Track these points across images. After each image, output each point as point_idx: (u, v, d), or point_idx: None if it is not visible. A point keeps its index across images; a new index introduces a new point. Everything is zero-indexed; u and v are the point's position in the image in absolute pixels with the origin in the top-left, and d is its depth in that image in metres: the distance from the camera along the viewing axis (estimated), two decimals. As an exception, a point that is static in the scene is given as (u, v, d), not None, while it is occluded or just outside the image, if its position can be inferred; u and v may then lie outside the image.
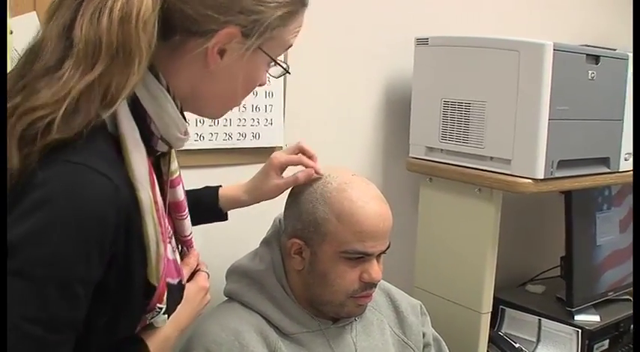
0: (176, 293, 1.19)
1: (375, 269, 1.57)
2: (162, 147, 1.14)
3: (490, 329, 2.14)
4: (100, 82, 0.97)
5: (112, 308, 1.05)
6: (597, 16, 2.93)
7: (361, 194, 1.57)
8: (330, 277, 1.56)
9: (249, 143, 1.99)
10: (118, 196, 0.98)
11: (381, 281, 1.77)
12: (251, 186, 1.64)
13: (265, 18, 1.07)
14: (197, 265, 1.35)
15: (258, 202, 1.64)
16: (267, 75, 1.22)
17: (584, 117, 1.96)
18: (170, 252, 1.15)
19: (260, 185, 1.62)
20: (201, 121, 1.89)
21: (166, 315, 1.16)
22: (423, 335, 1.79)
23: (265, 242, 1.69)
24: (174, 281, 1.17)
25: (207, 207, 1.62)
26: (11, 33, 1.59)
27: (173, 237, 1.22)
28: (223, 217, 1.65)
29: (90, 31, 0.97)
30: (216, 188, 1.65)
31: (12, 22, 1.59)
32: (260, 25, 1.07)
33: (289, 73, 1.24)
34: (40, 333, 0.94)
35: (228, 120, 1.94)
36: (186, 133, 1.16)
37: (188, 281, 1.29)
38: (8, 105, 0.97)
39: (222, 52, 1.08)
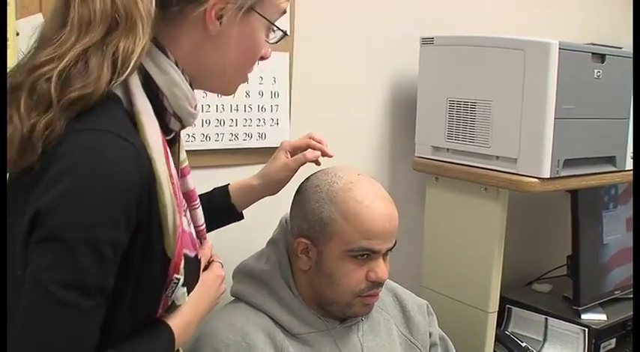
0: (193, 266, 1.20)
1: (382, 268, 1.57)
2: (174, 125, 1.18)
3: (497, 329, 2.14)
4: (105, 45, 1.02)
5: (135, 282, 1.07)
6: (602, 15, 2.92)
7: (367, 193, 1.58)
8: (336, 276, 1.56)
9: (255, 143, 2.00)
10: (141, 161, 1.03)
11: (388, 280, 1.77)
12: (262, 171, 1.65)
13: None
14: (211, 256, 1.36)
15: (270, 189, 1.64)
16: (269, 48, 1.25)
17: (590, 115, 1.96)
18: (185, 224, 1.17)
19: (270, 166, 1.63)
20: (207, 122, 1.89)
21: (185, 288, 1.17)
22: (430, 334, 1.79)
23: (272, 242, 1.70)
24: (191, 254, 1.19)
25: (220, 205, 1.62)
26: (17, 34, 1.60)
27: (188, 210, 1.23)
28: (238, 215, 1.64)
29: (82, 7, 1.03)
30: (225, 186, 1.65)
31: (18, 24, 1.60)
32: None
33: (287, 35, 1.26)
34: (73, 298, 0.96)
35: (234, 121, 1.95)
36: (196, 107, 1.20)
37: (204, 270, 1.30)
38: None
39: (220, 18, 1.12)
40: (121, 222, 1.00)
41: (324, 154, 1.63)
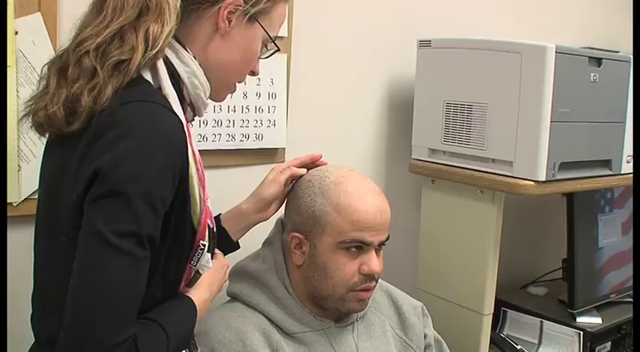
0: (212, 239, 1.32)
1: (374, 260, 1.58)
2: (188, 115, 1.30)
3: (492, 331, 2.14)
4: (137, 25, 1.17)
5: (170, 243, 1.19)
6: (599, 18, 2.93)
7: (358, 186, 1.60)
8: (329, 269, 1.57)
9: (252, 144, 2.00)
10: (182, 129, 1.17)
11: (383, 282, 1.78)
12: (252, 193, 1.68)
13: None
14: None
15: (261, 208, 1.65)
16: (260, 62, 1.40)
17: (586, 119, 1.96)
18: (206, 198, 1.28)
19: (260, 186, 1.67)
20: (205, 122, 1.90)
21: (209, 255, 1.30)
22: (425, 336, 1.80)
23: (267, 242, 1.70)
24: (212, 226, 1.31)
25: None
26: (16, 33, 1.60)
27: (206, 187, 1.30)
28: (233, 243, 1.65)
29: None
30: (217, 215, 1.66)
31: (17, 23, 1.60)
32: None
33: (279, 50, 1.41)
34: (130, 247, 1.07)
35: (232, 122, 1.95)
36: (207, 98, 1.33)
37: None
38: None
39: (229, 20, 1.27)
40: (168, 182, 1.13)
41: (312, 159, 1.70)
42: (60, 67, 1.19)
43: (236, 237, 1.65)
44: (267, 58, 1.41)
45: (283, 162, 2.03)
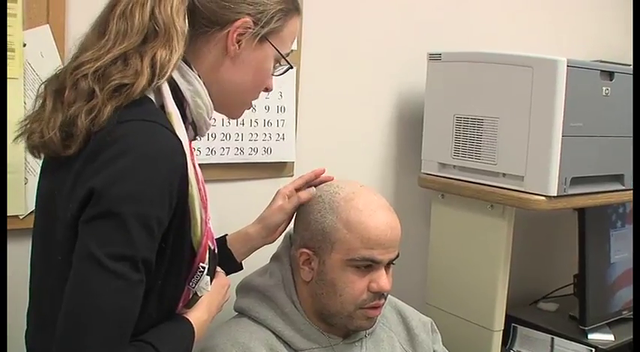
0: (213, 260, 1.31)
1: (384, 278, 1.56)
2: (189, 134, 1.26)
3: (502, 347, 2.12)
4: (143, 51, 1.16)
5: (168, 266, 1.18)
6: (611, 32, 2.92)
7: (369, 203, 1.58)
8: (338, 286, 1.55)
9: (260, 158, 1.99)
10: (181, 149, 1.15)
11: (392, 297, 1.77)
12: (258, 217, 1.68)
13: (269, 9, 1.28)
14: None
15: (267, 233, 1.65)
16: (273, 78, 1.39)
17: (598, 133, 1.95)
18: (208, 219, 1.27)
19: (266, 211, 1.67)
20: (213, 136, 1.89)
21: (209, 278, 1.30)
22: (434, 352, 1.78)
23: (275, 257, 1.69)
24: (212, 247, 1.30)
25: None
26: (24, 45, 1.60)
27: (208, 208, 1.29)
28: (237, 264, 1.65)
29: (120, 22, 1.18)
30: (223, 236, 1.65)
31: (25, 35, 1.60)
32: (266, 15, 1.27)
33: (292, 68, 1.40)
34: (124, 270, 1.05)
35: (240, 135, 1.95)
36: (211, 118, 1.32)
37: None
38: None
39: (239, 41, 1.26)
40: (165, 203, 1.11)
41: (316, 175, 1.70)
42: (56, 89, 1.18)
43: (240, 259, 1.65)
44: (280, 75, 1.40)
45: (292, 176, 2.02)
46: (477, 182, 2.03)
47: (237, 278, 1.68)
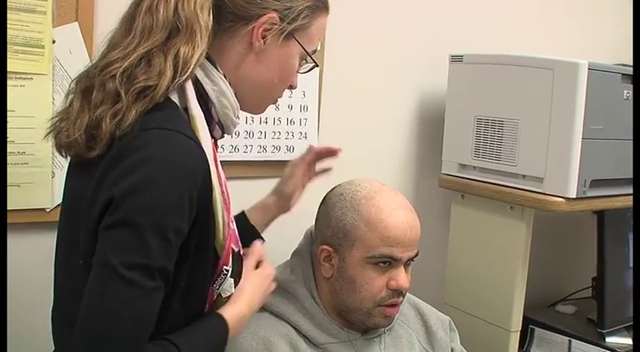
0: (237, 261, 1.29)
1: (403, 276, 1.58)
2: (217, 133, 1.28)
3: (519, 349, 2.13)
4: (167, 49, 1.15)
5: (190, 271, 1.18)
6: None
7: (390, 201, 1.60)
8: (357, 283, 1.57)
9: (283, 156, 2.01)
10: (202, 156, 1.14)
11: (410, 295, 1.78)
12: (273, 190, 1.73)
13: (297, 5, 1.26)
14: (260, 255, 1.45)
15: (284, 206, 1.71)
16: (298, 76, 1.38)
17: (618, 136, 1.95)
18: (230, 221, 1.26)
19: (279, 184, 1.72)
20: (237, 133, 1.91)
21: (233, 280, 1.28)
22: (452, 350, 1.79)
23: (296, 253, 1.71)
24: (236, 249, 1.29)
25: (241, 229, 1.65)
26: (54, 42, 1.63)
27: (231, 210, 1.29)
28: (259, 237, 1.66)
29: (146, 17, 1.17)
30: (241, 212, 1.67)
31: (55, 32, 1.63)
32: (293, 11, 1.25)
33: (317, 66, 1.39)
34: (139, 278, 1.06)
35: (263, 133, 1.97)
36: (238, 117, 1.31)
37: (255, 268, 1.41)
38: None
39: (264, 37, 1.25)
40: (185, 212, 1.11)
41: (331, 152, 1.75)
42: (85, 88, 1.18)
43: (262, 231, 1.67)
44: (305, 72, 1.38)
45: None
46: (496, 183, 2.04)
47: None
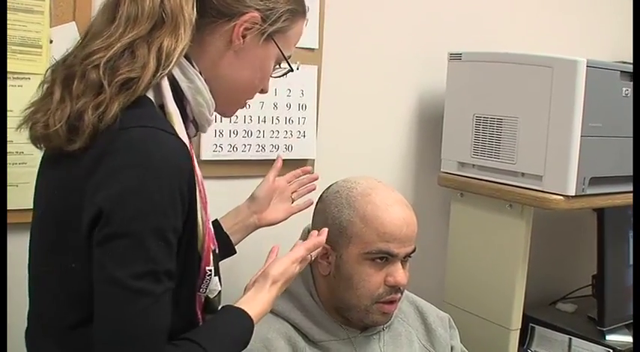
0: (215, 260, 1.28)
1: (400, 272, 1.58)
2: (191, 131, 1.25)
3: (519, 347, 2.13)
4: (151, 40, 1.13)
5: (181, 271, 1.15)
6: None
7: (386, 198, 1.60)
8: (354, 280, 1.57)
9: (281, 155, 2.00)
10: (186, 152, 1.13)
11: (409, 293, 1.78)
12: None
13: (279, 7, 1.26)
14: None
15: (257, 211, 1.70)
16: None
17: (617, 134, 1.95)
18: (208, 220, 1.25)
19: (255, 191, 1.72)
20: (235, 132, 1.91)
21: (217, 278, 1.27)
22: (452, 348, 1.79)
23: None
24: (214, 248, 1.27)
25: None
26: (51, 42, 1.63)
27: (208, 208, 1.28)
28: (232, 247, 1.66)
29: (131, 5, 1.15)
30: (214, 220, 1.66)
31: (52, 32, 1.63)
32: (275, 13, 1.25)
33: (292, 71, 1.38)
34: (148, 286, 1.05)
35: (262, 132, 1.97)
36: (213, 115, 1.30)
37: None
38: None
39: (244, 36, 1.24)
40: (178, 210, 1.10)
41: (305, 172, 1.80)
42: (65, 77, 1.14)
43: (234, 240, 1.66)
44: (278, 77, 1.38)
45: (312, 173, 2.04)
46: (495, 181, 2.04)
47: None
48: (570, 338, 2.33)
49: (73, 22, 1.66)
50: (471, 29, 2.36)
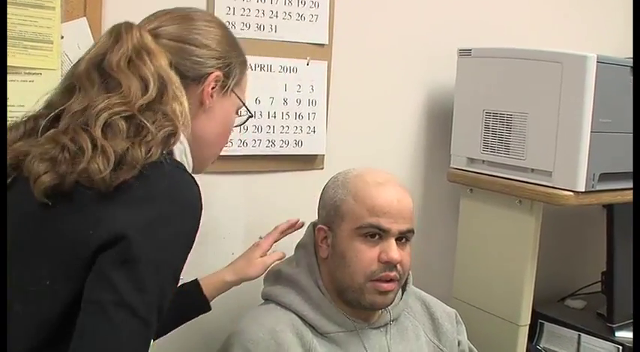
0: None
1: (393, 248, 1.58)
2: None
3: (528, 343, 2.12)
4: (162, 105, 1.18)
5: None
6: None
7: (377, 177, 1.64)
8: (347, 257, 1.59)
9: (291, 150, 2.02)
10: (200, 195, 1.17)
11: (417, 289, 1.79)
12: (234, 266, 1.74)
13: (233, 63, 1.35)
14: None
15: (239, 283, 1.73)
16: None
17: (627, 130, 1.94)
18: None
19: (243, 262, 1.74)
20: (245, 128, 1.91)
21: None
22: (459, 343, 1.79)
23: (301, 246, 1.73)
24: None
25: (192, 300, 1.68)
26: (62, 38, 1.64)
27: None
28: (208, 308, 1.69)
29: (126, 75, 1.19)
30: (195, 280, 1.68)
31: (63, 27, 1.64)
32: (232, 68, 1.35)
33: (252, 116, 1.52)
34: (154, 319, 1.06)
35: (272, 128, 1.97)
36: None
37: None
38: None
39: (211, 95, 1.32)
40: (188, 252, 1.14)
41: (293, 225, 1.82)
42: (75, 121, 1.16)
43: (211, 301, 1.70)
44: (239, 125, 1.49)
45: (322, 168, 2.05)
46: (505, 177, 2.03)
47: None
48: (579, 335, 2.32)
49: (84, 18, 1.67)
50: (480, 25, 2.35)
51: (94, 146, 1.10)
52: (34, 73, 1.62)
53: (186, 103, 1.21)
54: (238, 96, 1.38)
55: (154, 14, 1.33)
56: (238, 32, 1.85)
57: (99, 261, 1.05)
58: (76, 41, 1.66)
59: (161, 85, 1.20)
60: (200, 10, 1.40)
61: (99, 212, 1.08)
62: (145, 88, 1.18)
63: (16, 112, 1.57)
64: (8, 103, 1.56)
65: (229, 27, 1.41)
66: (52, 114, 1.21)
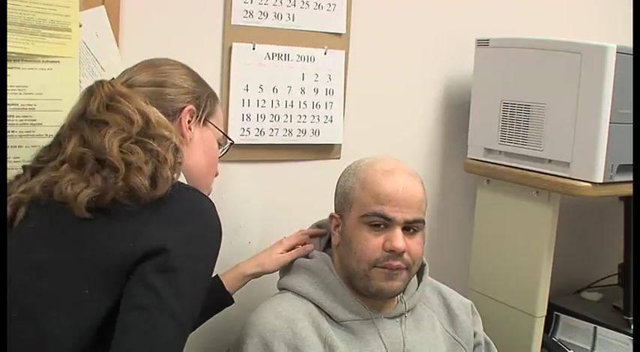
0: None
1: (398, 237, 1.56)
2: None
3: (544, 335, 2.12)
4: (151, 132, 1.30)
5: None
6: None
7: (386, 165, 1.63)
8: (354, 244, 1.59)
9: (308, 139, 2.02)
10: None
11: (433, 280, 1.79)
12: (257, 260, 1.76)
13: (202, 94, 1.48)
14: None
15: (261, 274, 1.76)
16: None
17: (647, 121, 1.93)
18: None
19: (265, 257, 1.76)
20: (262, 117, 1.92)
21: None
22: (474, 334, 1.79)
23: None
24: None
25: (213, 294, 1.67)
26: (80, 26, 1.64)
27: None
28: (230, 300, 1.72)
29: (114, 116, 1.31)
30: (215, 276, 1.70)
31: (82, 16, 1.64)
32: (202, 100, 1.47)
33: (233, 143, 1.64)
34: (189, 327, 1.17)
35: (289, 117, 1.97)
36: None
37: None
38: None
39: (190, 128, 1.43)
40: (212, 269, 1.28)
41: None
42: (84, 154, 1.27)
43: (233, 288, 1.74)
44: (224, 154, 1.59)
45: (339, 158, 2.05)
46: (522, 168, 2.03)
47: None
48: (595, 327, 2.31)
49: (102, 6, 1.67)
50: (498, 15, 2.34)
51: (127, 164, 1.22)
52: (52, 61, 1.62)
53: (172, 127, 1.33)
54: (216, 126, 1.50)
55: (123, 72, 1.45)
56: (256, 21, 1.86)
57: (139, 270, 1.14)
58: (95, 29, 1.67)
59: (144, 116, 1.30)
60: (162, 58, 1.50)
61: (138, 225, 1.18)
62: (130, 121, 1.28)
63: (35, 100, 1.58)
64: (27, 91, 1.58)
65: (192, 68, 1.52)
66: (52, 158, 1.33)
